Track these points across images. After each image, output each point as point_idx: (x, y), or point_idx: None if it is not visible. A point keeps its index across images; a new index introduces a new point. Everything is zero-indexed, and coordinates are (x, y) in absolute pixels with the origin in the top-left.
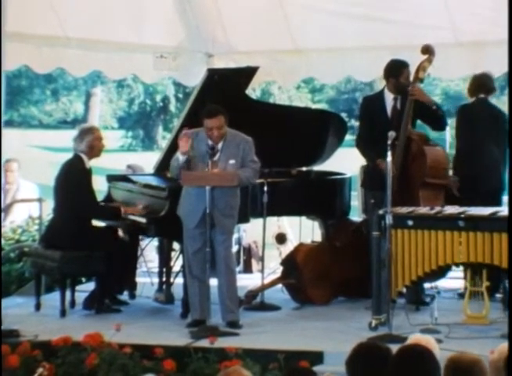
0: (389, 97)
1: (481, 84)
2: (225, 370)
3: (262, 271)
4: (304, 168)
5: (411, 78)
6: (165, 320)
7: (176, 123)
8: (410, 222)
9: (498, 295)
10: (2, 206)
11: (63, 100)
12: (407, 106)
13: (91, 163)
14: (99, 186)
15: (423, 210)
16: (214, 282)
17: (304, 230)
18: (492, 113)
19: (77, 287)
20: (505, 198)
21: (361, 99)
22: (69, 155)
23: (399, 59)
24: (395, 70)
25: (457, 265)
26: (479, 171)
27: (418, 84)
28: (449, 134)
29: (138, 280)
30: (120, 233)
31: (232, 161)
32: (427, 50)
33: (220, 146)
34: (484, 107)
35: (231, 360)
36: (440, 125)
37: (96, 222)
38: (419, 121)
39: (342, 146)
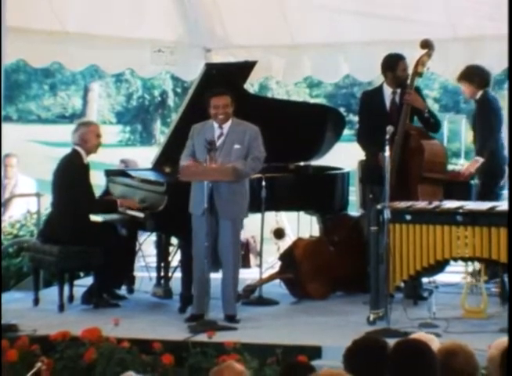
0: (388, 91)
1: (487, 77)
2: (218, 366)
3: (260, 266)
4: (302, 163)
5: (409, 71)
6: (163, 315)
7: (174, 117)
8: (408, 217)
9: (494, 289)
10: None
11: (61, 95)
12: (405, 103)
13: (89, 158)
14: (98, 180)
15: (421, 204)
16: (212, 276)
17: (302, 225)
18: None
19: (76, 282)
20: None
21: (360, 93)
22: (67, 150)
23: (395, 53)
24: (391, 63)
25: (455, 259)
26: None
27: (413, 90)
28: (447, 129)
29: (137, 274)
30: (119, 227)
31: (237, 146)
32: (426, 45)
33: (226, 130)
34: (495, 98)
35: (229, 355)
36: (433, 130)
37: (94, 217)
38: None
39: (340, 141)
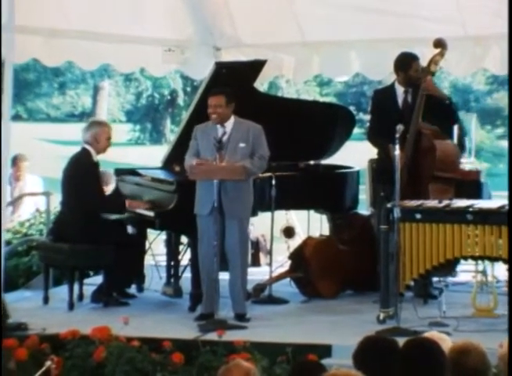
0: (400, 90)
1: None
2: (226, 365)
3: (270, 264)
4: (312, 162)
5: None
6: (173, 314)
7: (184, 116)
8: (418, 216)
9: (504, 288)
10: (10, 200)
11: (71, 94)
12: (418, 100)
13: (99, 157)
14: None
15: (432, 203)
16: (222, 275)
17: (312, 224)
18: None
19: (85, 281)
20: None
21: (370, 92)
22: (76, 148)
23: (409, 52)
24: (405, 63)
25: (465, 258)
26: None
27: (430, 77)
28: (457, 128)
29: (146, 273)
30: (129, 226)
31: (242, 144)
32: (440, 44)
33: (229, 129)
34: None
35: (239, 353)
36: (452, 120)
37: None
38: None
39: (350, 140)
